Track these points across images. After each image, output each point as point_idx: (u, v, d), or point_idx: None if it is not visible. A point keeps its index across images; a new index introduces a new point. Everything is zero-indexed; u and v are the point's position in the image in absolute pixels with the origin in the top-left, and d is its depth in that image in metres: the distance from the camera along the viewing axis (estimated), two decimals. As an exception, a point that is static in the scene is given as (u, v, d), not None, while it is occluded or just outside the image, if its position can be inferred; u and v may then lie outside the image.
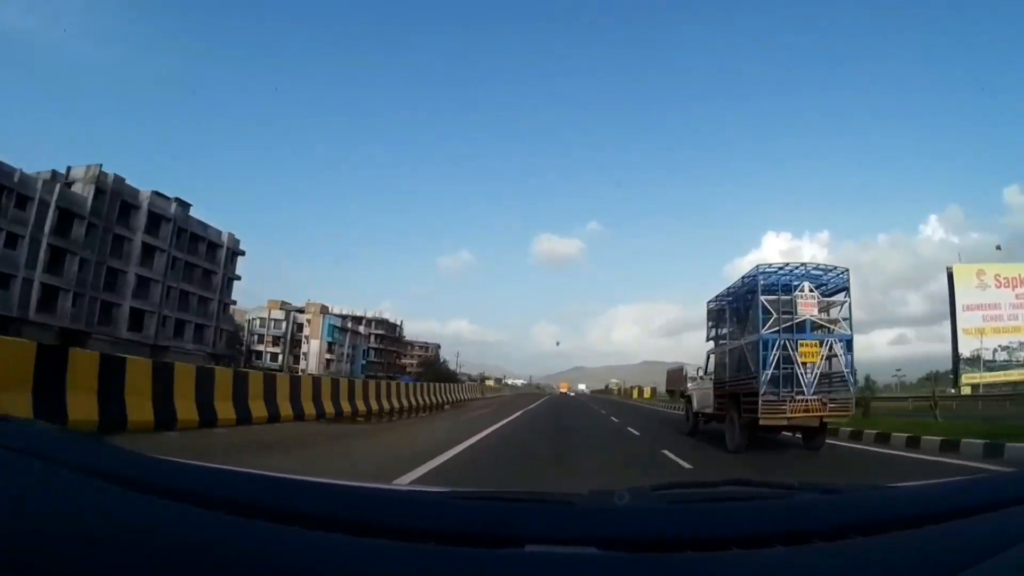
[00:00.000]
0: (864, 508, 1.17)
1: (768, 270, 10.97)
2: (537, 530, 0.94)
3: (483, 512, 1.07)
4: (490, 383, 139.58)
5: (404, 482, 5.84)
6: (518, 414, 22.22)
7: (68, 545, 0.78)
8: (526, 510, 1.13)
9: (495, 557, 0.85)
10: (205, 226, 58.84)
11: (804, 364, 10.18)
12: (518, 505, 1.17)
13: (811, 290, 10.53)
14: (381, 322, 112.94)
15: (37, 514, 0.84)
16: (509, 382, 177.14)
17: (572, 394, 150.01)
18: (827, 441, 11.34)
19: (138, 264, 49.81)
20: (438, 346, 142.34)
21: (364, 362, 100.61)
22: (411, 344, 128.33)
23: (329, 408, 14.56)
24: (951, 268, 45.96)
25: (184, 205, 56.19)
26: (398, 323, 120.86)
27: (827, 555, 0.90)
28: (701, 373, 14.32)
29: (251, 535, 0.86)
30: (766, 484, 1.50)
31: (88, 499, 0.92)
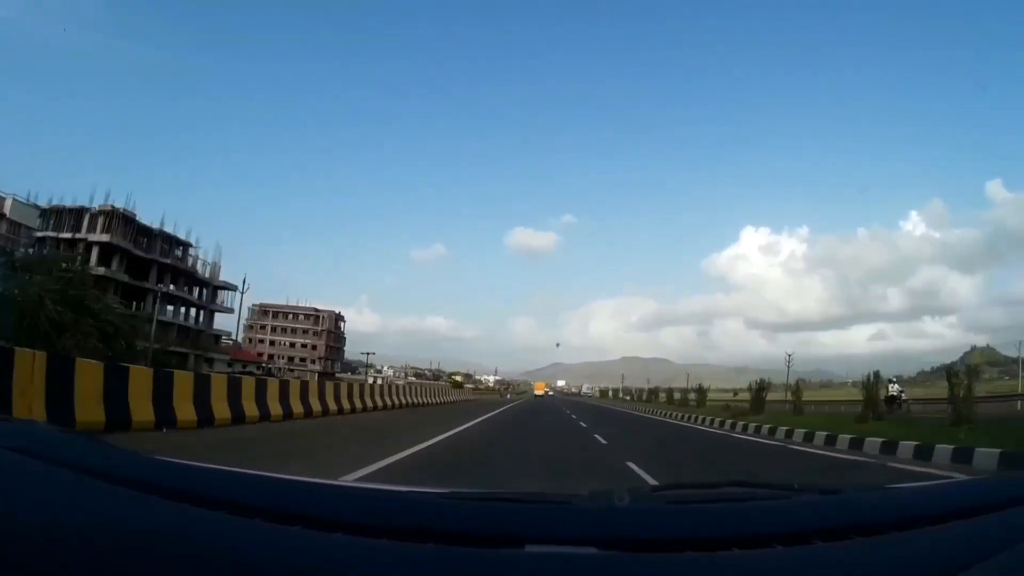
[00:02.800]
0: (864, 508, 1.18)
1: None
2: (537, 530, 0.95)
3: (483, 512, 1.07)
4: (456, 378, 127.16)
5: None
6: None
7: (68, 546, 0.78)
8: (526, 510, 1.13)
9: (495, 557, 0.86)
10: None
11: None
12: (518, 505, 1.18)
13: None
14: (109, 215, 49.33)
15: (37, 514, 0.84)
16: (483, 379, 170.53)
17: (551, 393, 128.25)
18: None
19: None
20: (337, 315, 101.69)
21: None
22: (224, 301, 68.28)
23: None
24: None
25: None
26: (195, 245, 62.13)
27: (827, 555, 0.91)
28: None
29: (251, 535, 0.86)
30: (766, 485, 1.50)
31: (88, 499, 0.92)
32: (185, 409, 10.33)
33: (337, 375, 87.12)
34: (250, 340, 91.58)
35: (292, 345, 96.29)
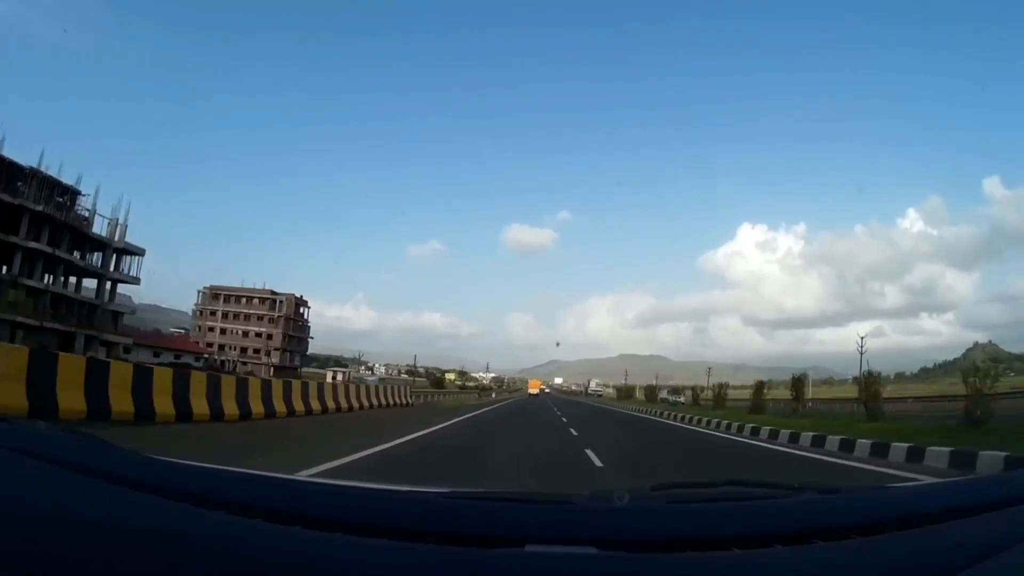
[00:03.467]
0: (864, 508, 1.18)
1: None
2: (537, 530, 0.95)
3: (483, 512, 1.07)
4: (450, 376, 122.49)
5: None
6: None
7: (68, 546, 0.78)
8: (526, 510, 1.13)
9: (495, 557, 0.86)
10: None
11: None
12: (518, 505, 1.18)
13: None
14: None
15: (37, 514, 0.84)
16: (479, 375, 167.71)
17: (548, 390, 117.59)
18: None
19: None
20: (299, 300, 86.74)
21: None
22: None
23: None
24: None
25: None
26: (85, 194, 49.12)
27: (827, 555, 0.91)
28: None
29: (251, 535, 0.87)
30: (766, 484, 1.50)
31: (88, 499, 0.92)
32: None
33: (302, 370, 78.57)
34: (199, 328, 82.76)
35: (245, 335, 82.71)
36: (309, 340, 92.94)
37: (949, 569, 0.82)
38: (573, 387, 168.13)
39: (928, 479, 5.81)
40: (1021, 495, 1.12)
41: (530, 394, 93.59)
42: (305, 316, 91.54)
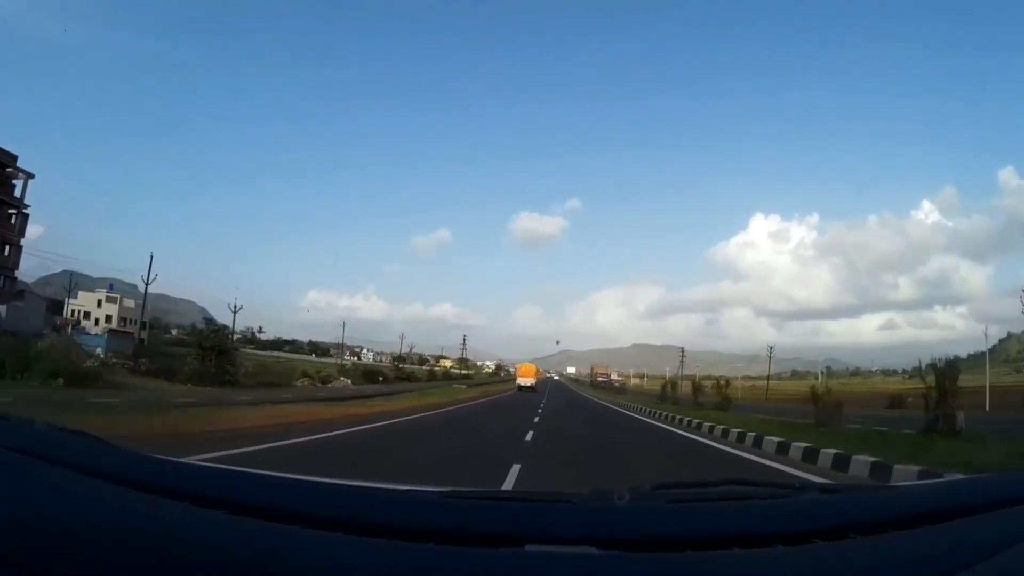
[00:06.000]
0: (864, 508, 1.18)
1: None
2: (537, 530, 0.95)
3: (483, 512, 1.07)
4: (447, 363, 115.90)
5: None
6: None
7: (68, 545, 0.79)
8: (526, 510, 1.13)
9: (495, 557, 0.86)
10: None
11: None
12: (518, 505, 1.18)
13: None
14: None
15: (37, 514, 0.84)
16: (484, 364, 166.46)
17: (556, 378, 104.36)
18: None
19: None
20: None
21: None
22: None
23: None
24: None
25: None
26: None
27: (827, 555, 0.91)
28: None
29: (251, 535, 0.87)
30: (766, 484, 1.52)
31: (88, 499, 0.93)
32: None
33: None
34: None
35: None
36: (20, 251, 43.28)
37: (949, 569, 0.81)
38: (614, 377, 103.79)
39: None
40: (1021, 495, 1.12)
41: (520, 387, 57.61)
42: (17, 192, 42.26)
